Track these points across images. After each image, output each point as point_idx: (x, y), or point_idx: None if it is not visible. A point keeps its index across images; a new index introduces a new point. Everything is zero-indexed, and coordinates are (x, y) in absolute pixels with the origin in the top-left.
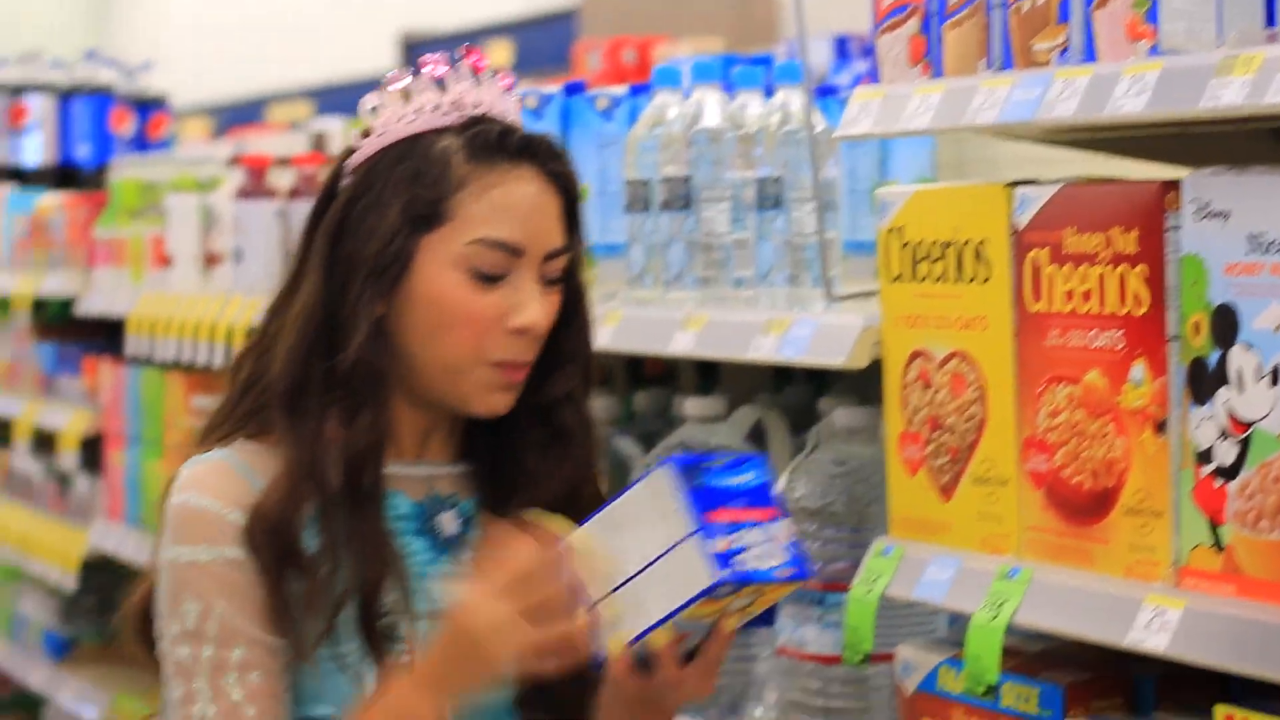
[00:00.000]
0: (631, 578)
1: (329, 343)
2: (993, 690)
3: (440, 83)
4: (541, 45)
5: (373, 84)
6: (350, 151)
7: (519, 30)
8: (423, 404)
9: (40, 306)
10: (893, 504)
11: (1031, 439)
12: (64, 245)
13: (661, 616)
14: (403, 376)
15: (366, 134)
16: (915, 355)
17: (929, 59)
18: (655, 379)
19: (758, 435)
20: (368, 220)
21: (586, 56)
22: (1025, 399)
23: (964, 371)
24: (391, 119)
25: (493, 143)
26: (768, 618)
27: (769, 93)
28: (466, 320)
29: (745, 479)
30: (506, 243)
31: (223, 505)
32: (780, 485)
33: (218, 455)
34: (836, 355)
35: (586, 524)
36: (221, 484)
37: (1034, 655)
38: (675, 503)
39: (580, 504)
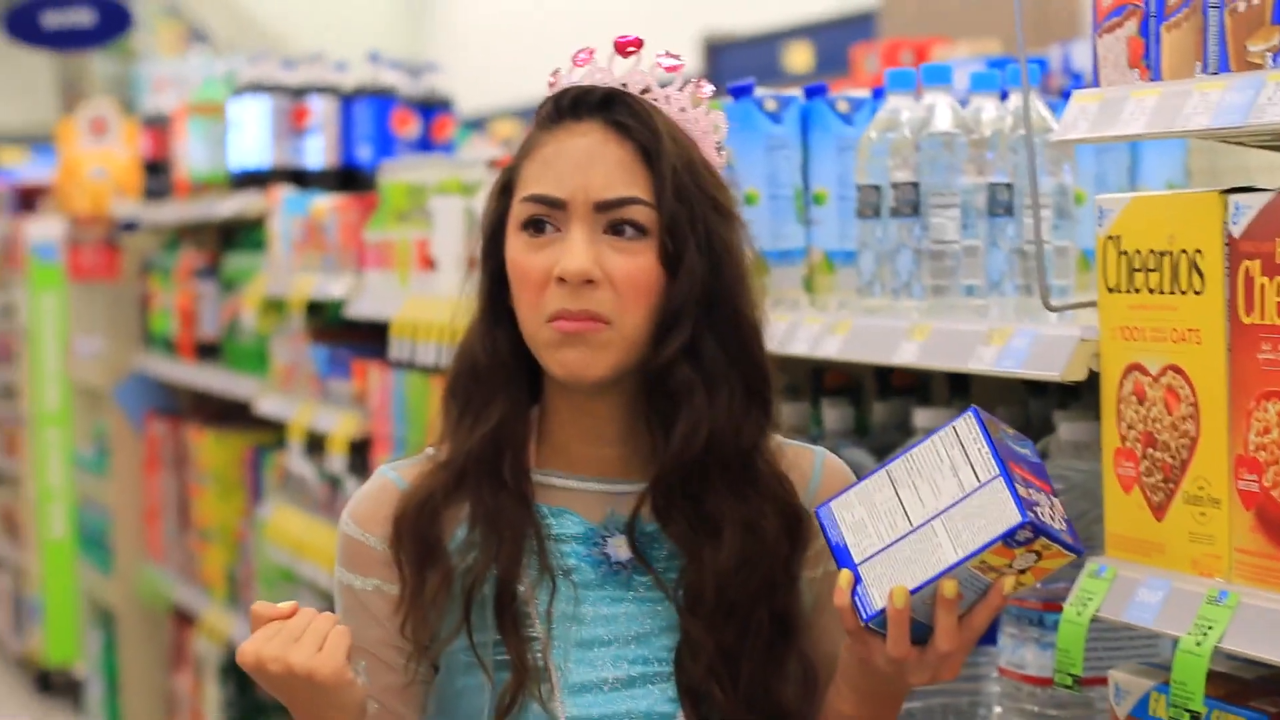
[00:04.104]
0: (922, 525)
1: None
2: (1197, 718)
3: (586, 69)
4: (842, 46)
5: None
6: None
7: (819, 32)
8: (574, 407)
9: (319, 309)
10: (1108, 523)
11: (1243, 458)
12: (337, 248)
13: (960, 558)
14: (546, 373)
15: None
16: (1130, 369)
17: (1147, 61)
18: (903, 389)
19: None
20: (485, 216)
21: (864, 59)
22: (1238, 416)
23: (1178, 386)
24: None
25: (553, 106)
26: (991, 635)
27: (1005, 96)
28: (523, 280)
29: (1025, 450)
30: (542, 196)
31: (368, 534)
32: None
33: (389, 474)
34: (1052, 368)
35: (879, 472)
36: (375, 508)
37: (1248, 683)
38: (978, 447)
39: (714, 482)
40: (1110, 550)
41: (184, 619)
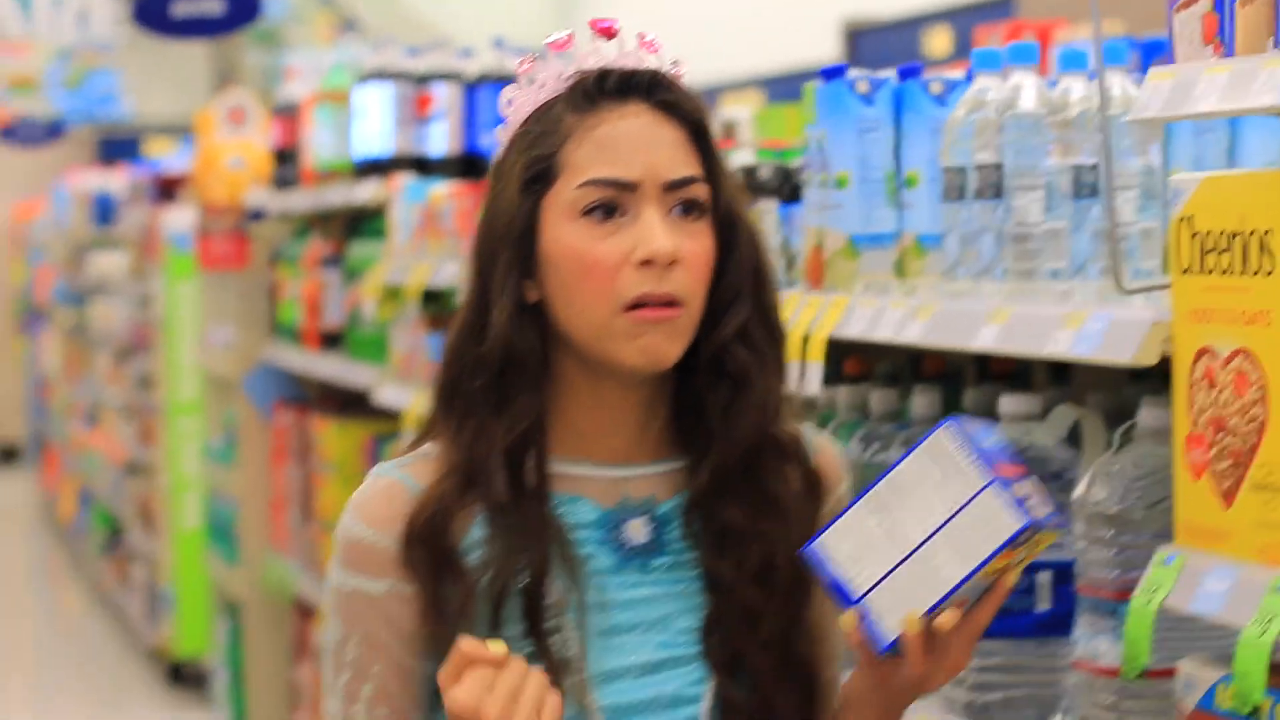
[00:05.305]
0: (920, 545)
1: (482, 336)
2: (1258, 711)
3: (561, 55)
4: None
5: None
6: None
7: (960, 16)
8: (601, 396)
9: (438, 297)
10: (1178, 510)
11: None
12: (453, 235)
13: (967, 572)
14: (567, 364)
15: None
16: (1202, 352)
17: (1221, 37)
18: (999, 375)
19: (1075, 436)
20: (499, 202)
21: (987, 41)
22: None
23: (1247, 370)
24: (520, 104)
25: (591, 88)
26: (1066, 628)
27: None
28: (592, 267)
29: (995, 439)
30: (612, 179)
31: (381, 534)
32: (1080, 489)
33: (394, 473)
34: (1124, 352)
35: (864, 499)
36: (385, 508)
37: None
38: (962, 459)
39: (766, 457)
40: (1180, 539)
41: (306, 611)
